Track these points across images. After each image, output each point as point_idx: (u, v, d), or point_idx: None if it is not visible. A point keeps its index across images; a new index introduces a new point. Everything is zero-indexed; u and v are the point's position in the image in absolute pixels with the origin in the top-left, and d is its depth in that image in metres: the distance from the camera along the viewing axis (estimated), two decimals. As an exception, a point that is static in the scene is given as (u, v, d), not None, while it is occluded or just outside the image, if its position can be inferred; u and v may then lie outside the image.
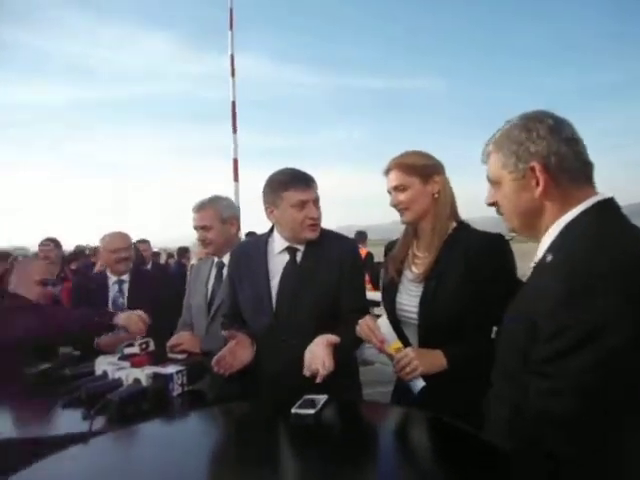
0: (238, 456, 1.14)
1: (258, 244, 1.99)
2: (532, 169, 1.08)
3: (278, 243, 1.94)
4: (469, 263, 1.53)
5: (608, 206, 1.06)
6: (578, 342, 0.87)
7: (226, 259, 2.33)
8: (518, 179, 1.11)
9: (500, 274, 1.51)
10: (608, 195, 1.08)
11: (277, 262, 1.92)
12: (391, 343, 1.53)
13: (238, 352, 1.78)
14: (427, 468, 1.04)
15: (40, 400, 1.74)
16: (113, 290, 2.94)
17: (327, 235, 1.95)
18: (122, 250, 2.92)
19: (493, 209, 1.23)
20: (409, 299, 1.63)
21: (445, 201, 1.64)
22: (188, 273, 3.05)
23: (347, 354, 1.81)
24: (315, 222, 1.85)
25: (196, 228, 2.37)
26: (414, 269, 1.66)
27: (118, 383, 1.59)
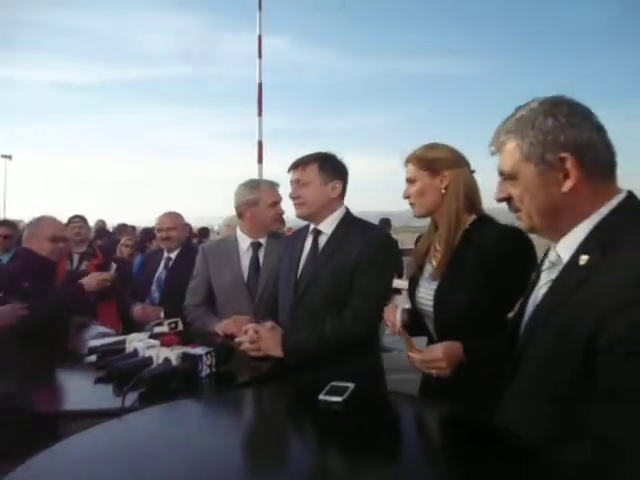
0: (265, 440, 1.16)
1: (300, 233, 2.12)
2: (562, 160, 0.95)
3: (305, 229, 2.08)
4: (483, 258, 1.51)
5: (634, 203, 0.98)
6: None
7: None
8: (544, 172, 0.98)
9: (514, 270, 1.44)
10: (626, 191, 0.98)
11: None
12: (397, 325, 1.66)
13: (271, 339, 1.85)
14: (451, 463, 1.03)
15: (74, 374, 1.80)
16: (160, 266, 3.17)
17: (357, 222, 2.00)
18: (165, 230, 3.11)
19: None
20: (426, 293, 1.65)
21: (454, 196, 1.60)
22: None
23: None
24: (293, 201, 2.01)
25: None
26: (433, 262, 1.66)
27: (149, 361, 1.62)
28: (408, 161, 1.68)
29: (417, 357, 1.48)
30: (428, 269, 1.69)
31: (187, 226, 3.33)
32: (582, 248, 0.97)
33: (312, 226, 2.03)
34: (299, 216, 2.04)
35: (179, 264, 3.08)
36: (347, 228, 1.95)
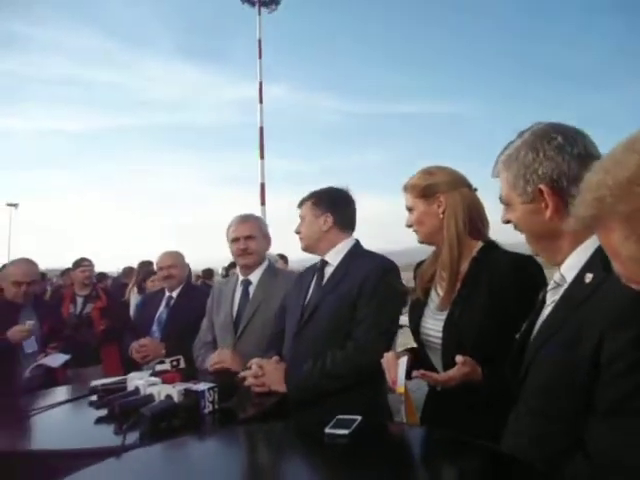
0: (270, 476, 1.12)
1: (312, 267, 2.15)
2: (540, 192, 1.02)
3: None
4: (493, 288, 1.45)
5: None
6: None
7: (253, 277, 2.41)
8: (527, 202, 1.05)
9: (526, 300, 1.34)
10: None
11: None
12: (399, 385, 1.46)
13: (274, 374, 1.83)
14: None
15: (74, 412, 1.76)
16: (162, 305, 3.13)
17: (365, 254, 2.03)
18: (166, 268, 3.11)
19: None
20: (434, 324, 1.57)
21: (452, 220, 1.56)
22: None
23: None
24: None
25: (237, 239, 2.41)
26: (439, 290, 1.60)
27: (150, 399, 1.59)
28: (405, 190, 1.67)
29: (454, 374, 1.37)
30: (434, 298, 1.62)
31: (187, 265, 3.34)
32: (587, 267, 0.99)
33: (320, 259, 2.06)
34: (302, 249, 2.13)
35: (181, 302, 3.07)
36: (354, 259, 1.96)
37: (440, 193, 1.59)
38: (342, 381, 1.77)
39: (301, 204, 2.10)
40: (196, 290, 3.42)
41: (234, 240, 2.42)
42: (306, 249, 2.10)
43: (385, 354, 1.55)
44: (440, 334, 1.53)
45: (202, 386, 1.61)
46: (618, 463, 0.80)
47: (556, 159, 1.02)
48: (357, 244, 2.04)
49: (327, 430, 1.25)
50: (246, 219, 2.49)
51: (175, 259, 3.18)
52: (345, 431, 1.24)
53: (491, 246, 1.58)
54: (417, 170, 1.69)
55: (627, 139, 0.64)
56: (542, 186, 1.02)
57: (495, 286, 1.46)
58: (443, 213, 1.58)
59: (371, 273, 1.85)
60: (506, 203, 1.12)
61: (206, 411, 1.58)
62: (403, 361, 1.49)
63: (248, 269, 2.45)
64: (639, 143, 0.61)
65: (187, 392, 1.58)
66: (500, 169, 1.11)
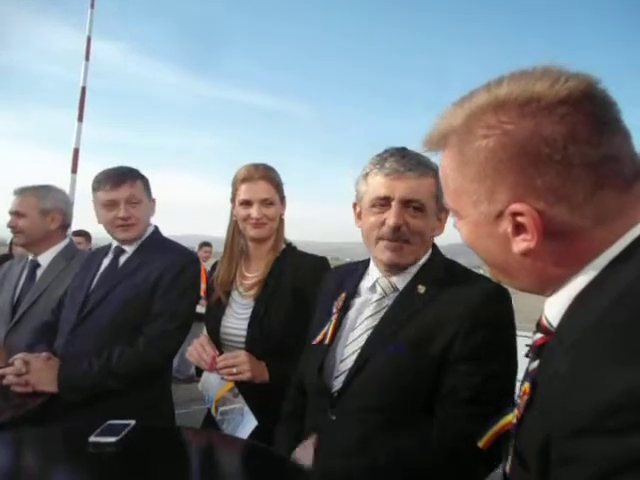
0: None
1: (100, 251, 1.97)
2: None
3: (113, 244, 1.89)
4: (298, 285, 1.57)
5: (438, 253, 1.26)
6: None
7: (42, 258, 2.13)
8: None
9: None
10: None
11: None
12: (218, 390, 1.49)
13: (43, 372, 1.59)
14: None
15: None
16: None
17: (165, 243, 1.88)
18: None
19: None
20: (237, 323, 1.61)
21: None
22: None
23: None
24: (125, 222, 1.74)
25: (10, 213, 2.12)
26: (241, 290, 1.65)
27: None
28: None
29: (220, 359, 1.47)
30: (236, 299, 1.64)
31: None
32: (416, 279, 1.17)
33: (115, 244, 1.84)
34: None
35: None
36: (153, 249, 1.81)
37: None
38: (128, 381, 1.61)
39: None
40: None
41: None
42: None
43: (195, 341, 1.57)
44: (244, 330, 1.56)
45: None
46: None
47: None
48: (156, 230, 1.90)
49: (92, 438, 1.12)
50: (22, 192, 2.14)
51: None
52: (112, 439, 1.12)
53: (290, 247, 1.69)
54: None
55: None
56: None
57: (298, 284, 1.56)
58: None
59: (170, 265, 1.74)
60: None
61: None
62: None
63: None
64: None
65: None
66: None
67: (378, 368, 1.09)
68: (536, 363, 0.63)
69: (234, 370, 1.44)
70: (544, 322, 0.64)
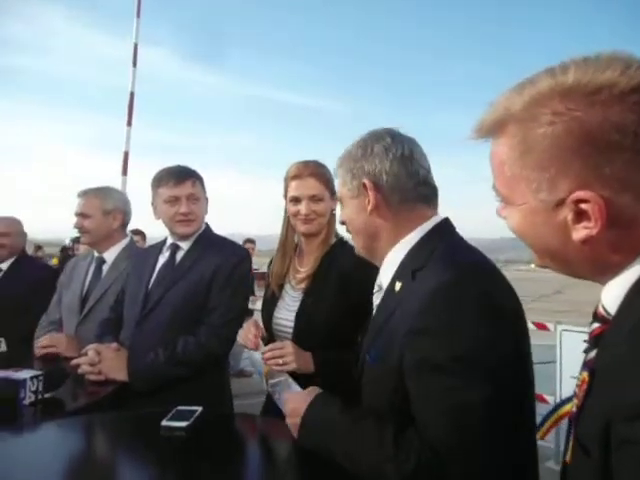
0: (94, 474, 1.03)
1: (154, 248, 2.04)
2: (364, 186, 1.06)
3: (168, 241, 1.98)
4: (345, 279, 1.58)
5: (446, 227, 1.07)
6: None
7: (107, 255, 2.27)
8: (354, 197, 1.10)
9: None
10: (443, 216, 1.09)
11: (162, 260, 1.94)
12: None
13: (114, 361, 1.70)
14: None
15: None
16: None
17: (218, 240, 1.96)
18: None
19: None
20: (287, 314, 1.66)
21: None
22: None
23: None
24: (186, 217, 1.84)
25: (76, 214, 2.26)
26: (294, 283, 1.69)
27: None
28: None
29: (267, 349, 1.49)
30: (288, 291, 1.70)
31: (24, 234, 2.93)
32: (396, 275, 1.05)
33: (170, 241, 1.94)
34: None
35: (10, 276, 2.71)
36: (207, 245, 1.90)
37: None
38: (192, 368, 1.72)
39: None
40: (31, 262, 3.04)
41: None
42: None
43: (245, 324, 1.64)
44: (292, 322, 1.62)
45: (24, 374, 1.43)
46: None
47: (380, 157, 1.06)
48: (208, 227, 1.99)
49: (164, 423, 1.20)
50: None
51: (9, 226, 2.78)
52: (183, 423, 1.20)
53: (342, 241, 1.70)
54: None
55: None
56: (365, 180, 1.06)
57: (345, 277, 1.57)
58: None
59: (225, 261, 1.83)
60: (340, 200, 1.17)
61: (26, 402, 1.40)
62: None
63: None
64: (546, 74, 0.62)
65: (4, 381, 1.39)
66: (336, 167, 1.16)
67: None
68: (593, 353, 0.63)
69: (280, 361, 1.48)
70: (601, 310, 0.64)
